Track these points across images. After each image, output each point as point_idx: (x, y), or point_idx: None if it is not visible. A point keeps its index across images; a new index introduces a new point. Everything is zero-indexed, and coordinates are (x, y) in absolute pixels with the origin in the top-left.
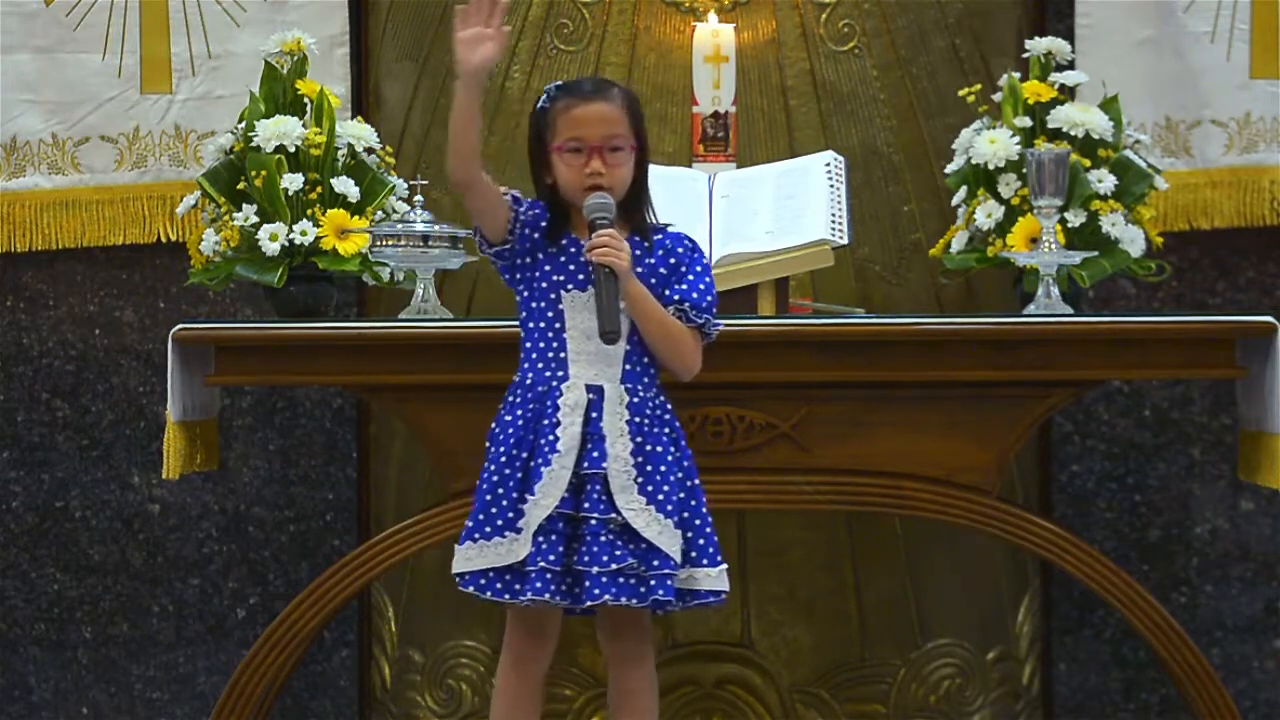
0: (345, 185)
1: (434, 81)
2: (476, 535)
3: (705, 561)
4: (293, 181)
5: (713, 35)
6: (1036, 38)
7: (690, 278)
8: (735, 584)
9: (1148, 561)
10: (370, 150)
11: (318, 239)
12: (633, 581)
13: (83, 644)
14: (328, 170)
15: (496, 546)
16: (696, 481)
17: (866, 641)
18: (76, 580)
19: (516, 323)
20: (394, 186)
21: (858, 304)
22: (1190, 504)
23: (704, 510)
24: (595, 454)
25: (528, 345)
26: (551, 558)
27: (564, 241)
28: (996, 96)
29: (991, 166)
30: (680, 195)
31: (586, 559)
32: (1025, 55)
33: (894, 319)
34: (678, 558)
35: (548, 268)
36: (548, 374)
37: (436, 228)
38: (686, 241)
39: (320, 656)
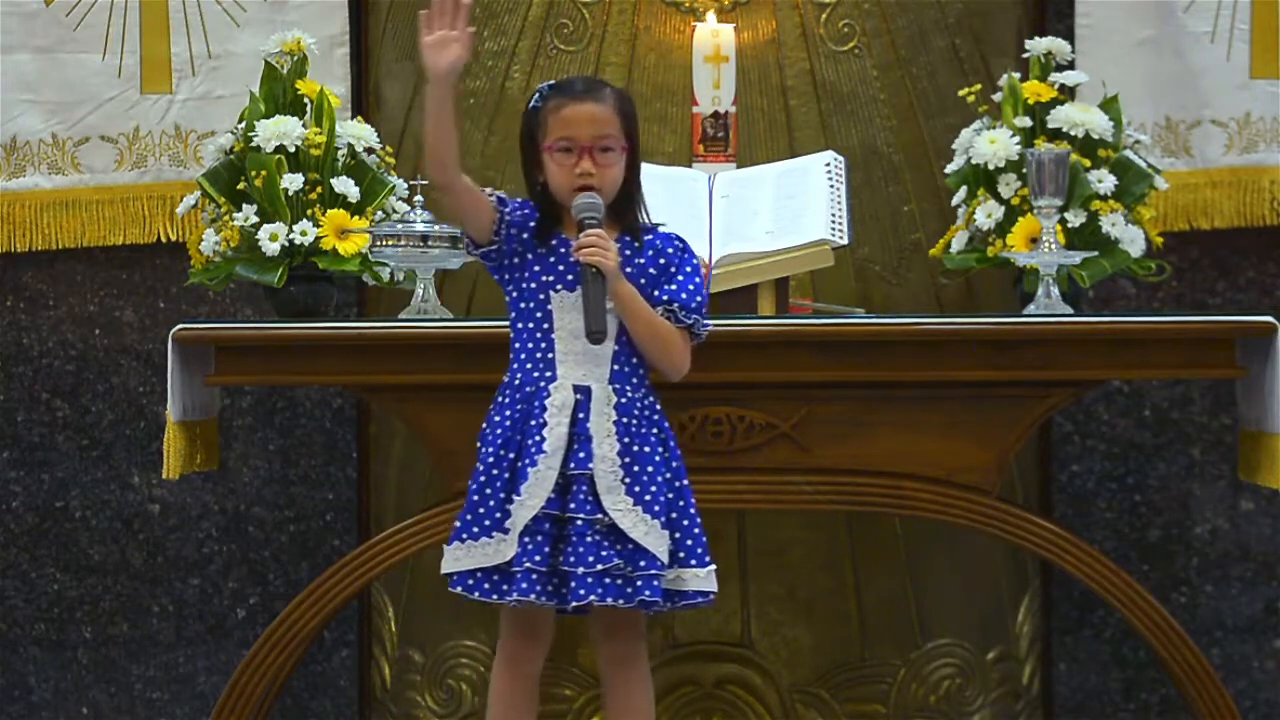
0: (345, 185)
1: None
2: (464, 535)
3: (693, 562)
4: (293, 181)
5: (713, 35)
6: (1036, 38)
7: (680, 278)
8: (735, 584)
9: (1148, 561)
10: (370, 150)
11: (318, 239)
12: (619, 582)
13: (83, 644)
14: (328, 170)
15: (484, 547)
16: (685, 482)
17: (866, 641)
18: (76, 580)
19: None
20: (394, 186)
21: (858, 304)
22: (1190, 504)
23: (692, 511)
24: (582, 454)
25: (516, 346)
26: (538, 558)
27: (554, 242)
28: (996, 96)
29: (991, 166)
30: (680, 195)
31: (572, 559)
32: (1025, 55)
33: (894, 319)
34: (664, 558)
35: (537, 268)
36: (536, 374)
37: (436, 228)
38: (677, 241)
39: (320, 656)
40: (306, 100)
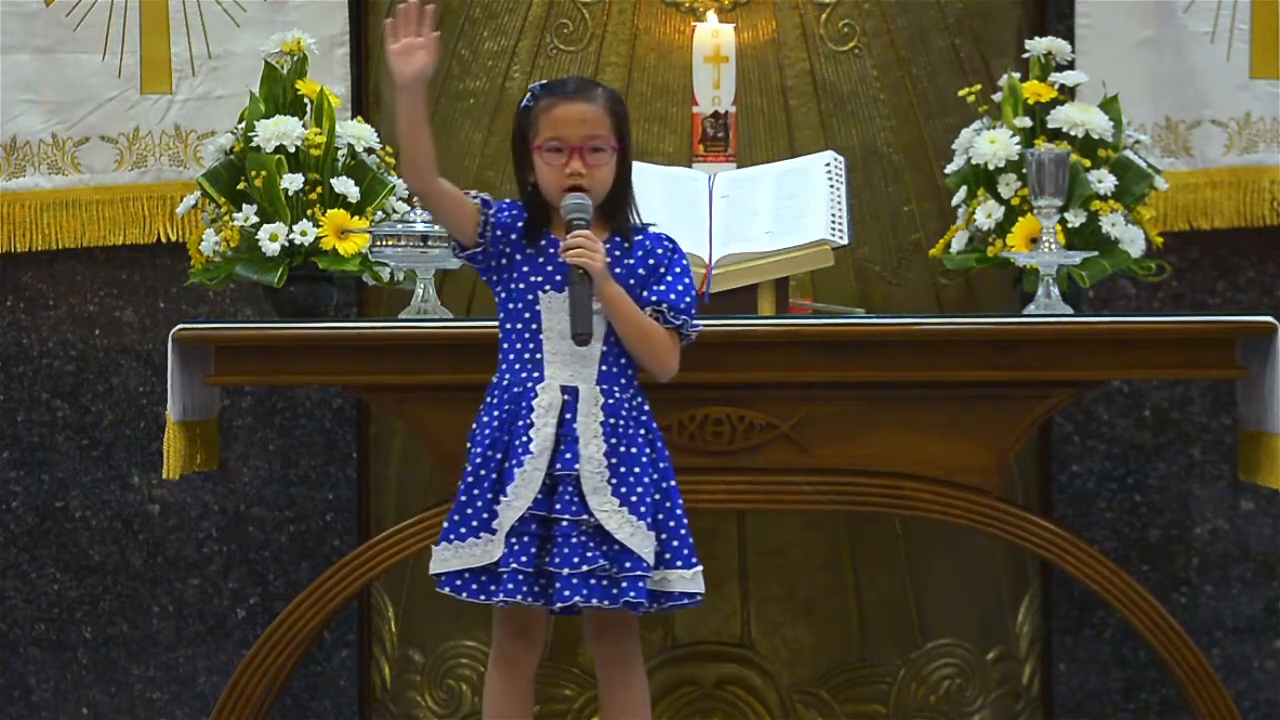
0: (345, 185)
1: (434, 82)
2: (452, 536)
3: (679, 563)
4: (293, 181)
5: (713, 35)
6: (1036, 38)
7: (669, 279)
8: (735, 584)
9: (1148, 561)
10: (370, 150)
11: (318, 239)
12: (604, 583)
13: (83, 644)
14: (328, 170)
15: (471, 547)
16: (673, 483)
17: (866, 641)
18: (76, 580)
19: None
20: (394, 186)
21: (858, 304)
22: (1190, 504)
23: (679, 512)
24: (568, 455)
25: (505, 346)
26: (524, 559)
27: (543, 242)
28: (996, 96)
29: (991, 166)
30: (680, 195)
31: (557, 560)
32: (1025, 55)
33: (894, 319)
34: (650, 560)
35: (525, 268)
36: (524, 375)
37: (436, 228)
38: (666, 242)
39: (320, 656)
40: (306, 100)
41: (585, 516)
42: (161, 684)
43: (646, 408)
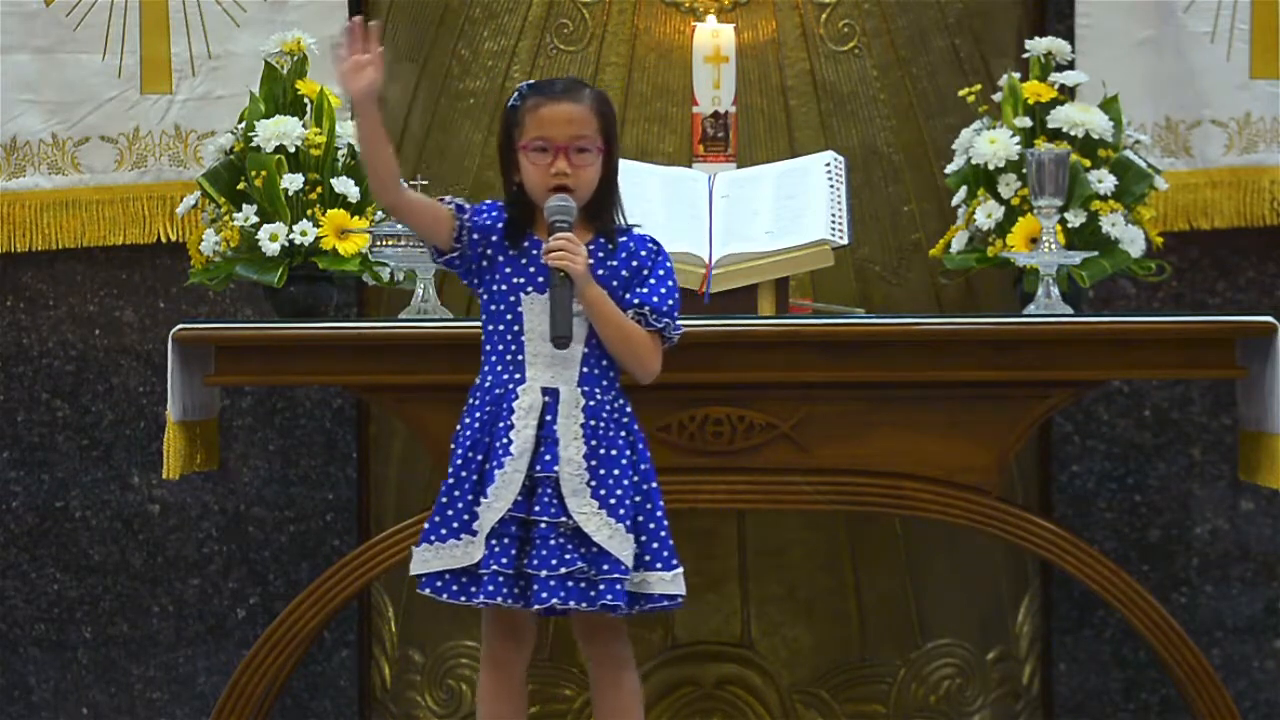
0: (345, 185)
1: (434, 82)
2: (432, 537)
3: (659, 565)
4: (293, 181)
5: (713, 35)
6: (1036, 38)
7: (652, 281)
8: (735, 584)
9: (1148, 561)
10: None
11: (318, 239)
12: (582, 585)
13: (83, 644)
14: (328, 170)
15: (452, 549)
16: (654, 485)
17: (866, 641)
18: (76, 580)
19: None
20: None
21: (858, 304)
22: (1190, 504)
23: (659, 514)
24: (548, 457)
25: (487, 348)
26: (504, 560)
27: (526, 244)
28: (996, 96)
29: (991, 166)
30: (680, 195)
31: (535, 562)
32: (1025, 55)
33: (894, 319)
34: (629, 562)
35: (508, 269)
36: (505, 376)
37: None
38: (650, 244)
39: (320, 656)
40: (306, 100)
41: (564, 518)
42: (161, 684)
43: (629, 409)
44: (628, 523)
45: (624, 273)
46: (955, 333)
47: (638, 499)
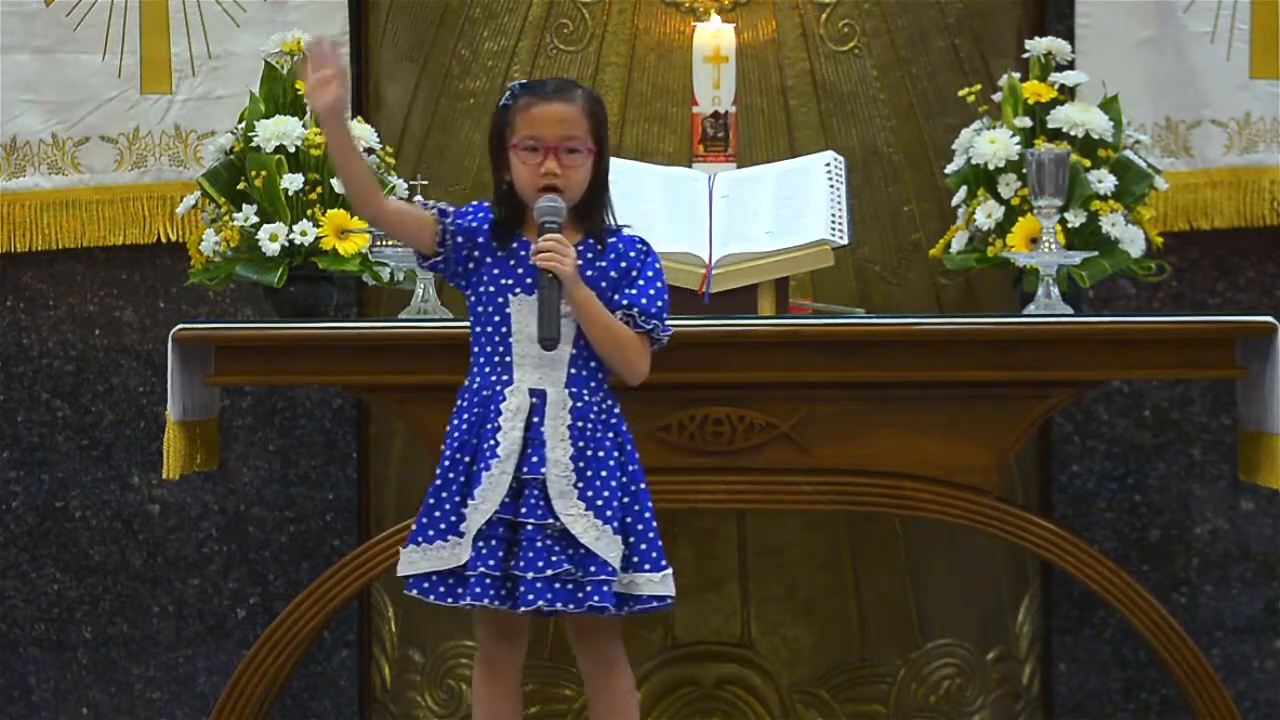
0: None
1: (434, 82)
2: (420, 539)
3: (647, 566)
4: (293, 181)
5: (713, 35)
6: (1036, 38)
7: (640, 283)
8: (735, 584)
9: (1148, 561)
10: (370, 150)
11: (318, 239)
12: (569, 587)
13: (83, 644)
14: (328, 170)
15: (439, 550)
16: (642, 486)
17: (866, 641)
18: (76, 580)
19: None
20: (394, 187)
21: (858, 304)
22: (1190, 504)
23: (648, 515)
24: (535, 459)
25: (475, 349)
26: (491, 563)
27: (514, 245)
28: (996, 96)
29: (991, 166)
30: (680, 195)
31: (522, 564)
32: (1025, 55)
33: (894, 319)
34: (616, 564)
35: (496, 271)
36: (493, 378)
37: None
38: (639, 245)
39: (320, 656)
40: (306, 100)
41: (550, 520)
42: (161, 684)
43: (617, 410)
44: (615, 524)
45: (613, 274)
46: (955, 333)
47: (626, 500)
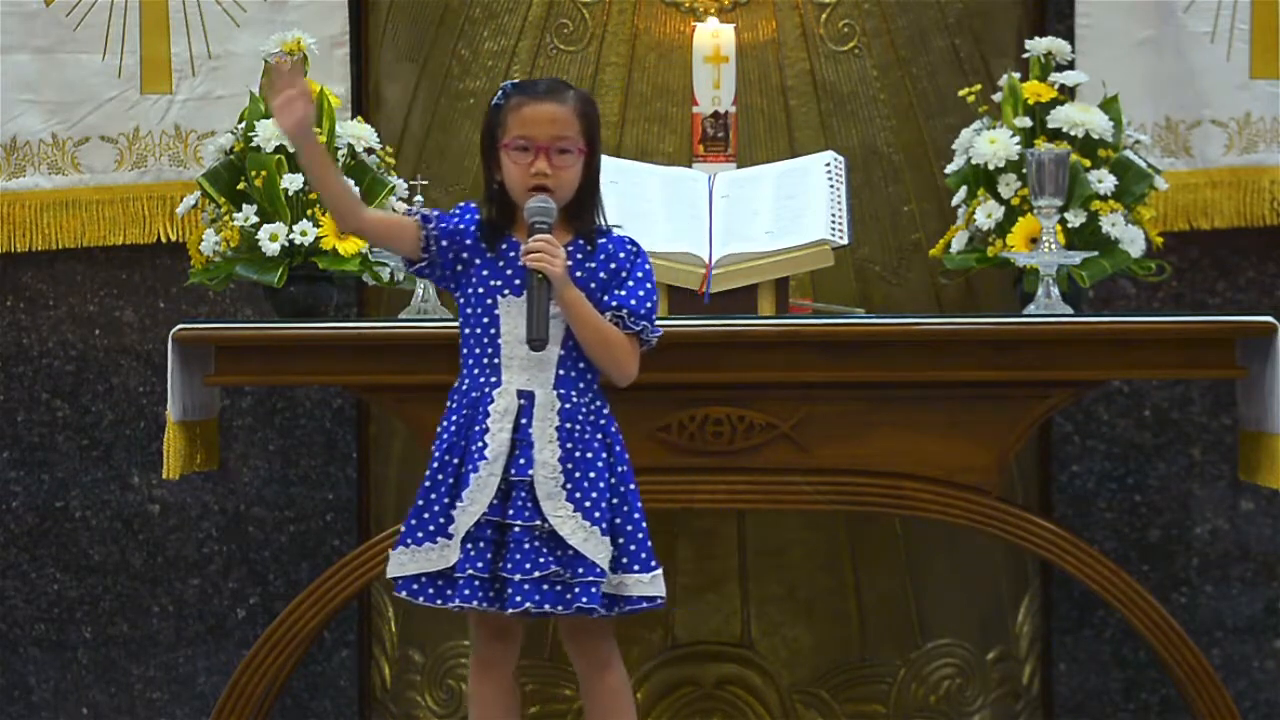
0: None
1: (434, 82)
2: (409, 540)
3: (636, 567)
4: (293, 181)
5: (713, 35)
6: (1036, 38)
7: (630, 284)
8: (735, 584)
9: (1148, 561)
10: (370, 150)
11: (318, 239)
12: (557, 588)
13: (83, 644)
14: None
15: (428, 552)
16: (631, 487)
17: (866, 641)
18: (76, 580)
19: None
20: (394, 187)
21: (858, 304)
22: (1190, 504)
23: (637, 516)
24: (522, 461)
25: (464, 351)
26: (480, 565)
27: (503, 246)
28: (996, 96)
29: (991, 166)
30: (680, 195)
31: (509, 566)
32: (1025, 55)
33: (894, 319)
34: (604, 565)
35: (485, 272)
36: (482, 379)
37: None
38: (629, 246)
39: (320, 656)
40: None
41: (538, 522)
42: (161, 684)
43: (606, 411)
44: (603, 525)
45: (602, 275)
46: (955, 333)
47: (614, 501)
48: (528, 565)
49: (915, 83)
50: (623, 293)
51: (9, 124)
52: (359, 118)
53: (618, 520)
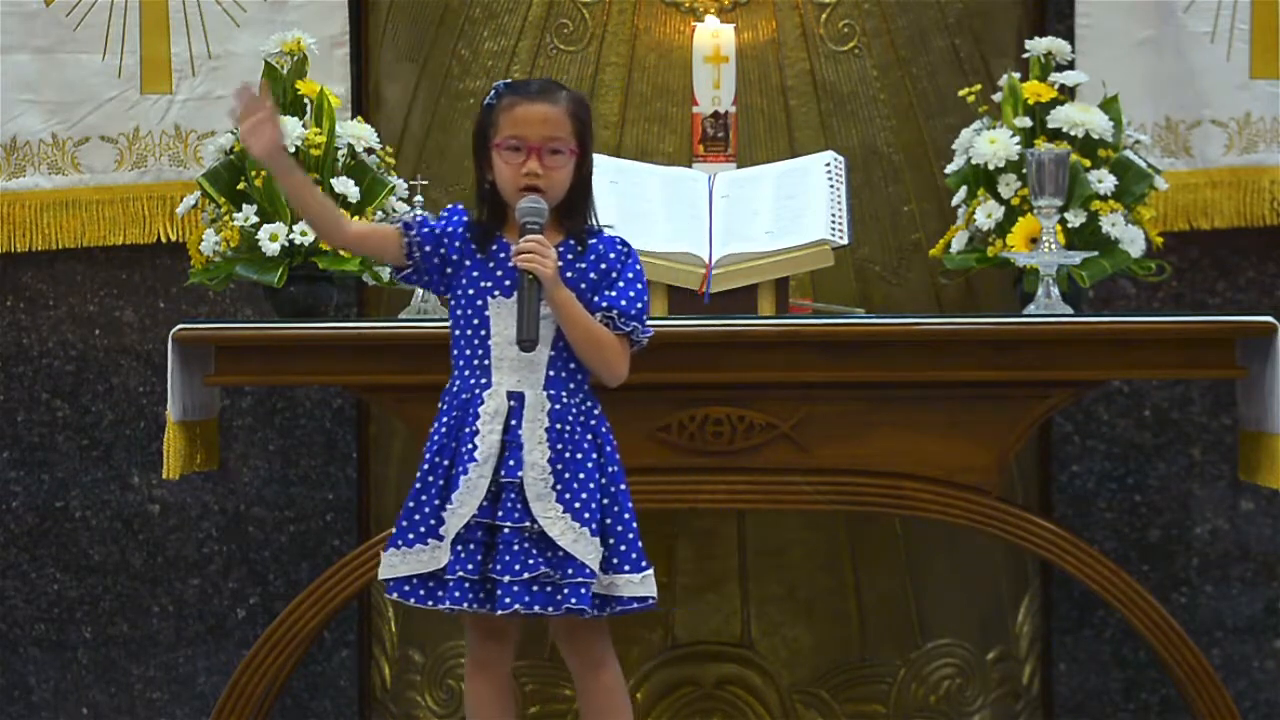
0: (345, 185)
1: (434, 82)
2: (400, 542)
3: (627, 568)
4: None
5: (713, 35)
6: (1036, 38)
7: (620, 284)
8: (735, 584)
9: (1148, 561)
10: (370, 150)
11: (317, 239)
12: (548, 590)
13: (83, 644)
14: (328, 170)
15: (419, 554)
16: (622, 487)
17: (866, 641)
18: (76, 580)
19: None
20: (394, 187)
21: (858, 304)
22: (1190, 504)
23: (627, 516)
24: (511, 462)
25: (455, 352)
26: (470, 567)
27: (494, 247)
28: (996, 96)
29: (991, 166)
30: (680, 195)
31: (499, 568)
32: (1025, 55)
33: (894, 319)
34: (594, 566)
35: (475, 273)
36: (472, 381)
37: None
38: (620, 246)
39: (320, 656)
40: (306, 100)
41: (527, 523)
42: (161, 684)
43: (597, 412)
44: (593, 526)
45: (592, 275)
46: (955, 333)
47: (605, 502)
48: (517, 567)
49: (915, 83)
50: (613, 293)
51: (9, 124)
52: (359, 118)
53: (608, 521)
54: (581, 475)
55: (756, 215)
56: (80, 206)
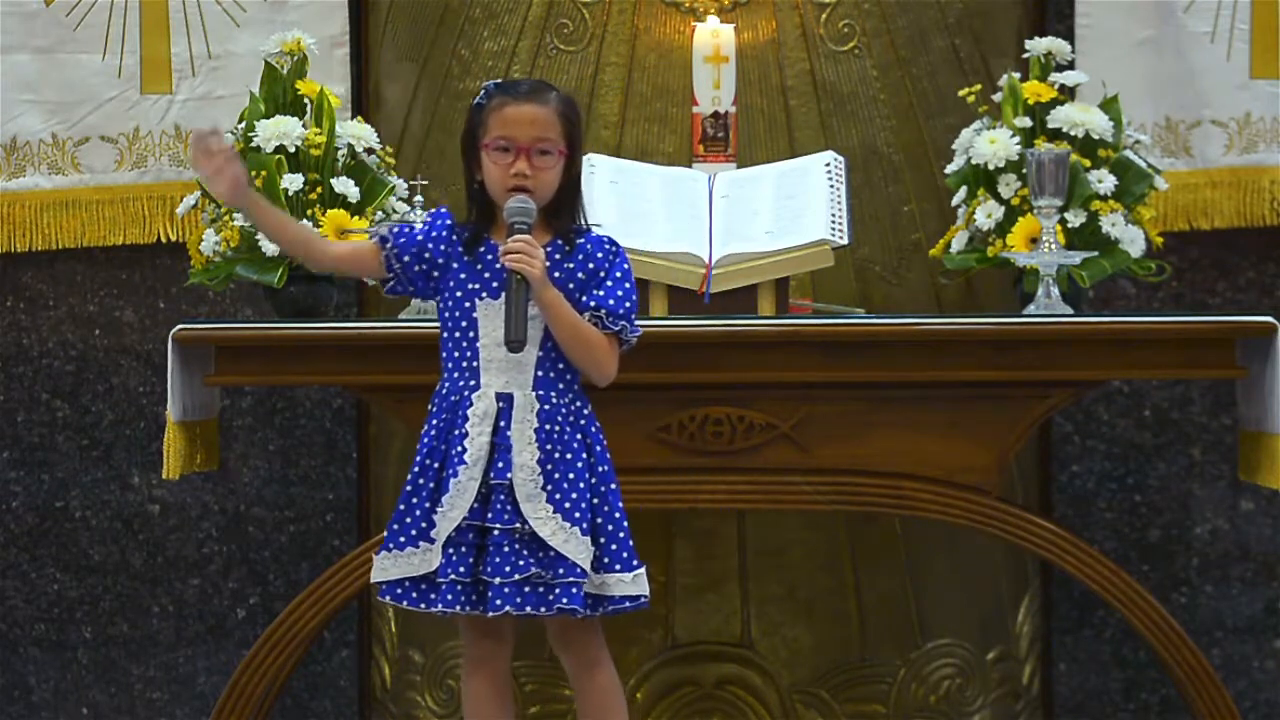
0: (345, 185)
1: (434, 82)
2: (391, 545)
3: (618, 567)
4: (293, 182)
5: (713, 35)
6: (1036, 38)
7: (609, 284)
8: (735, 584)
9: (1148, 561)
10: (370, 150)
11: None
12: (539, 590)
13: (83, 644)
14: (328, 170)
15: (410, 556)
16: (612, 486)
17: (866, 641)
18: (76, 580)
19: None
20: (394, 187)
21: (858, 304)
22: (1190, 504)
23: (618, 516)
24: (501, 464)
25: (444, 355)
26: (461, 569)
27: (481, 249)
28: (996, 96)
29: (991, 166)
30: (680, 195)
31: (489, 570)
32: (1025, 55)
33: (894, 319)
34: (585, 566)
35: (463, 275)
36: (461, 383)
37: None
38: (607, 245)
39: (320, 656)
40: (306, 100)
41: (517, 525)
42: (161, 684)
43: (587, 411)
44: (584, 526)
45: (580, 275)
46: (955, 333)
47: (595, 501)
48: (508, 568)
49: (915, 83)
50: (601, 293)
51: (9, 124)
52: (359, 118)
53: (599, 520)
54: (571, 475)
55: (756, 215)
56: (80, 206)
